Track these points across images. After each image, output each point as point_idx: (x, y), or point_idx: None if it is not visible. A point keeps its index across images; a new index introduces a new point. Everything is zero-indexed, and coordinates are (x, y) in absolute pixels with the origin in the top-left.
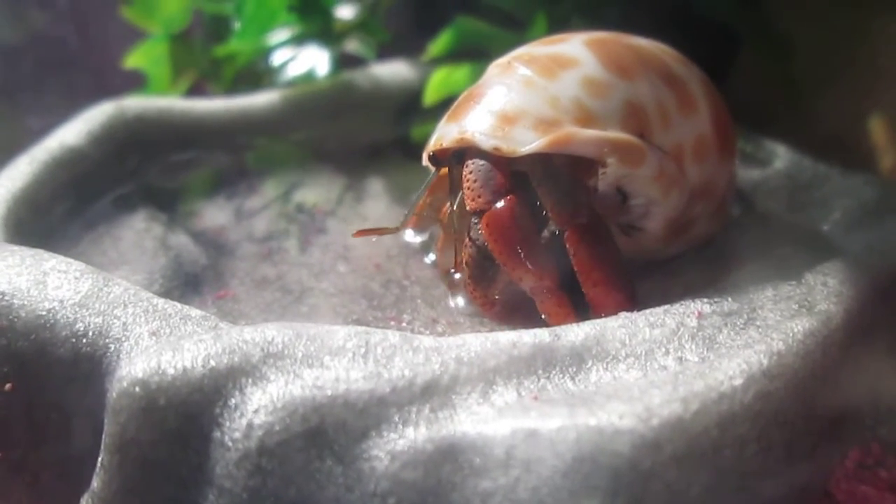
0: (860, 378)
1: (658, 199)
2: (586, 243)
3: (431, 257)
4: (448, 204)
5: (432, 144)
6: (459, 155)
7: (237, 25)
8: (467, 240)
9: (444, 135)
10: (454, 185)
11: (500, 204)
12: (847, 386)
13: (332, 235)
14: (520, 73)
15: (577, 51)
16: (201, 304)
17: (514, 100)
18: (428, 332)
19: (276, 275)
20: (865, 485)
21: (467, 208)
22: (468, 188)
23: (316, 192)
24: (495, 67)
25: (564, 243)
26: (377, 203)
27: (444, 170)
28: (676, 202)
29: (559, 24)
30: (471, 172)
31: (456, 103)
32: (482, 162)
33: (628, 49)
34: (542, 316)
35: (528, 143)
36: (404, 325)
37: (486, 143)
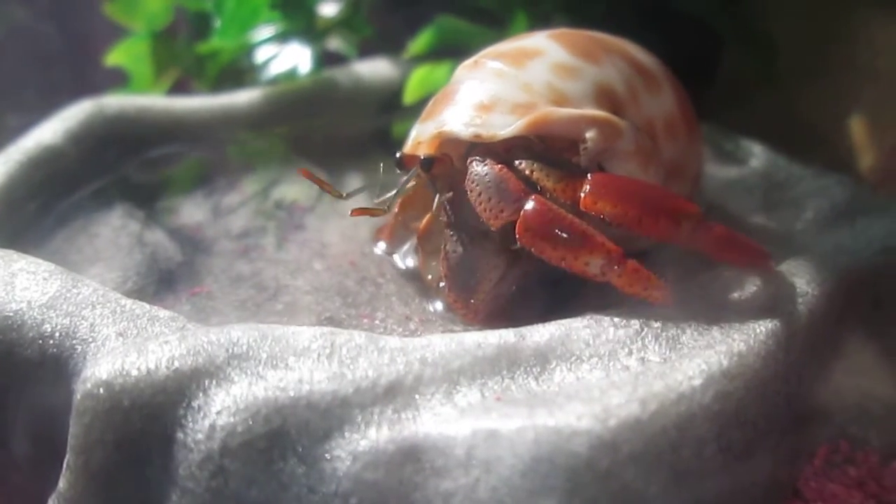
0: (826, 377)
1: (638, 175)
2: (615, 187)
3: (409, 263)
4: (427, 218)
5: (409, 146)
6: (428, 162)
7: (218, 23)
8: (442, 251)
9: (421, 133)
10: (429, 185)
11: (528, 206)
12: (813, 385)
13: (310, 232)
14: (489, 67)
15: (542, 42)
16: (175, 302)
17: (487, 90)
18: (401, 329)
19: (251, 272)
20: (834, 482)
21: (491, 228)
22: (484, 208)
23: (295, 188)
24: (463, 68)
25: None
26: (355, 201)
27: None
28: (654, 179)
29: (540, 22)
30: (478, 189)
31: (429, 105)
32: (483, 172)
33: (590, 38)
34: (629, 293)
35: (506, 126)
36: (377, 322)
37: (465, 132)
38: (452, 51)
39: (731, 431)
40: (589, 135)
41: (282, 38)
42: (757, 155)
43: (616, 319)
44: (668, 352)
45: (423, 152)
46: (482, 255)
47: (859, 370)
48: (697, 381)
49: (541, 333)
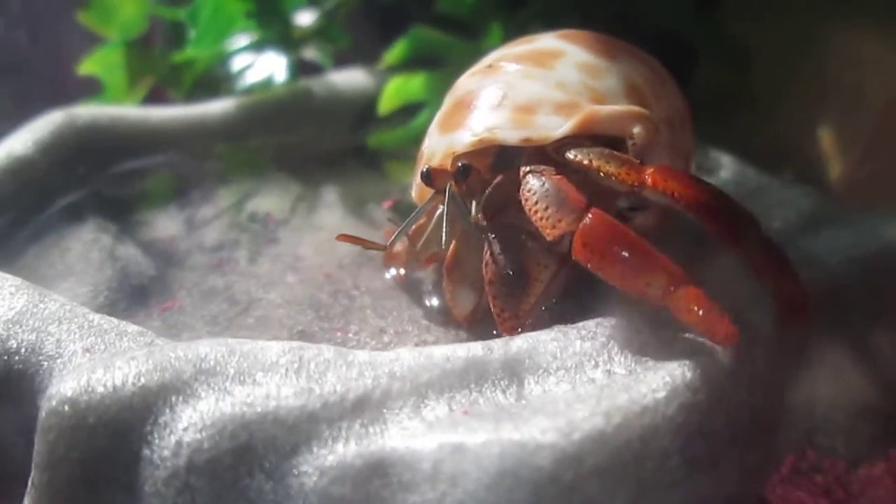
0: (792, 387)
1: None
2: (679, 173)
3: (431, 297)
4: (447, 241)
5: (437, 159)
6: (466, 169)
7: (193, 32)
8: (486, 258)
9: (451, 143)
10: (459, 205)
11: (588, 218)
12: (778, 395)
13: (284, 245)
14: (512, 70)
15: (558, 43)
16: (147, 316)
17: (522, 91)
18: (374, 342)
19: (224, 285)
20: (801, 490)
21: (547, 238)
22: (540, 218)
23: (270, 200)
24: (475, 75)
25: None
26: (332, 213)
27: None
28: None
29: (515, 32)
30: (535, 199)
31: (443, 114)
32: (540, 182)
33: (600, 38)
34: (687, 321)
35: (556, 127)
36: (350, 335)
37: (514, 137)
38: (428, 61)
39: (695, 443)
40: (636, 130)
41: (257, 47)
42: (726, 166)
43: (583, 332)
44: (633, 364)
45: (457, 163)
46: (531, 256)
47: (825, 379)
48: (661, 394)
49: (509, 346)
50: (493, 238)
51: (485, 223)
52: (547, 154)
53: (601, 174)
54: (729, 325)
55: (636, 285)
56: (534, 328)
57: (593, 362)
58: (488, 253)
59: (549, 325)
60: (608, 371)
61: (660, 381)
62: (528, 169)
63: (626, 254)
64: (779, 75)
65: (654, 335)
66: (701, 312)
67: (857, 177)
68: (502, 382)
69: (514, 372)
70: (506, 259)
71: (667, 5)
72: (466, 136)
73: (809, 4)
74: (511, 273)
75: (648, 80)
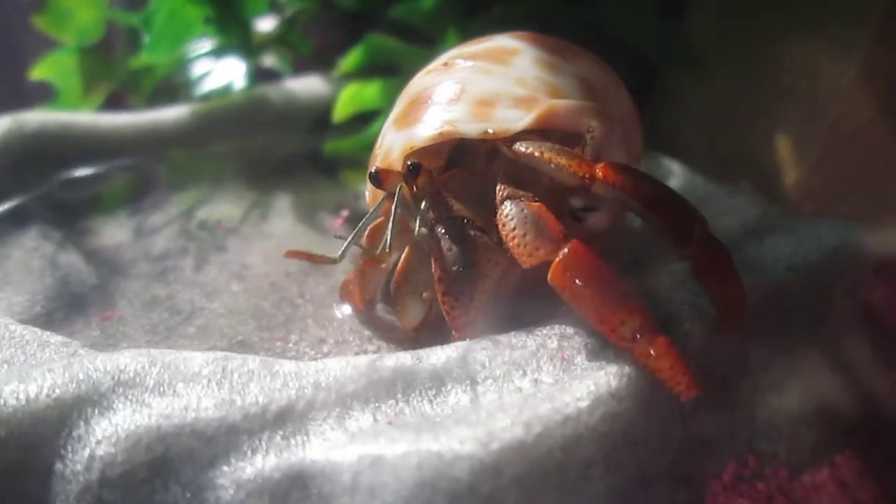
0: (732, 394)
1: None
2: (629, 171)
3: (346, 310)
4: (393, 246)
5: (395, 155)
6: (416, 168)
7: (147, 38)
8: (434, 252)
9: (409, 139)
10: (409, 206)
11: (569, 248)
12: (714, 403)
13: (231, 254)
14: (469, 66)
15: (513, 42)
16: (85, 326)
17: (481, 86)
18: (313, 352)
19: (166, 295)
20: (743, 498)
21: (524, 265)
22: (518, 244)
23: (221, 208)
24: (430, 72)
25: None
26: (282, 221)
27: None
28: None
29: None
30: (513, 224)
31: (398, 112)
32: (519, 208)
33: (550, 39)
34: (651, 368)
35: (517, 120)
36: (290, 345)
37: (474, 129)
38: (383, 69)
39: (619, 452)
40: (594, 123)
41: (217, 53)
42: (676, 174)
43: (514, 341)
44: (561, 373)
45: (408, 161)
46: (480, 252)
47: (765, 386)
48: (585, 403)
49: (438, 356)
50: (443, 234)
51: (434, 221)
52: (501, 151)
53: (552, 166)
54: (691, 380)
55: (608, 321)
56: (486, 330)
57: (521, 371)
58: (437, 249)
59: (504, 328)
60: (535, 380)
61: (584, 389)
62: (505, 194)
63: (604, 288)
64: (736, 85)
65: (584, 343)
66: (668, 366)
67: (811, 185)
68: (430, 392)
69: (442, 382)
70: (455, 255)
71: (627, 16)
72: (425, 129)
73: (767, 16)
74: (461, 269)
75: (601, 79)
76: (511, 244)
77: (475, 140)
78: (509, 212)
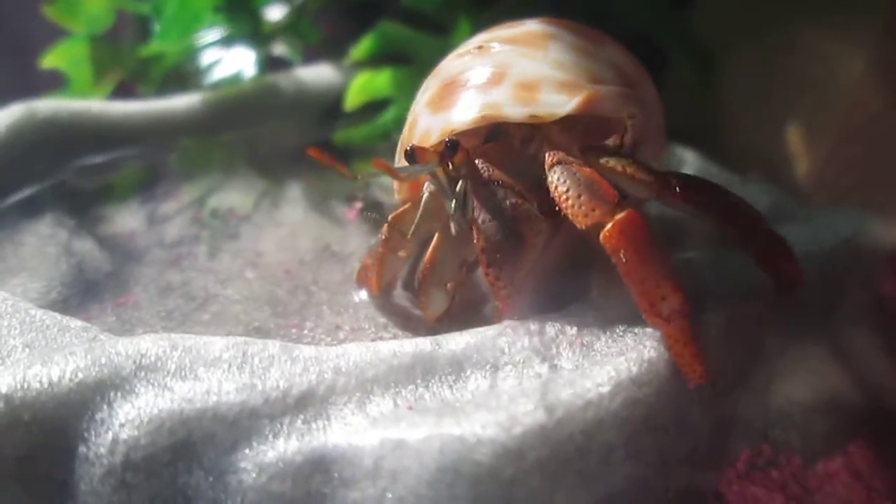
0: (747, 382)
1: (658, 156)
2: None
3: (363, 295)
4: (435, 241)
5: (434, 138)
6: (454, 147)
7: (157, 26)
8: (476, 222)
9: (453, 120)
10: (445, 187)
11: (625, 212)
12: (732, 390)
13: (244, 241)
14: (506, 49)
15: (543, 27)
16: (101, 312)
17: (522, 70)
18: (329, 339)
19: (181, 281)
20: (756, 485)
21: (579, 226)
22: (572, 204)
23: (233, 196)
24: (462, 56)
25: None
26: (294, 209)
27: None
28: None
29: (484, 28)
30: (566, 185)
31: (433, 95)
32: (571, 171)
33: (578, 25)
34: (670, 346)
35: (562, 104)
36: (306, 332)
37: (519, 113)
38: (394, 57)
39: (640, 438)
40: (635, 110)
41: (226, 41)
42: (690, 162)
43: (532, 327)
44: (580, 359)
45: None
46: (525, 220)
47: (780, 374)
48: (606, 388)
49: (457, 342)
50: (485, 202)
51: (473, 192)
52: (547, 136)
53: (634, 180)
54: (704, 368)
55: (650, 294)
56: (528, 304)
57: (541, 357)
58: (480, 219)
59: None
60: (555, 366)
61: (605, 375)
62: (555, 159)
63: (654, 260)
64: (747, 75)
65: (603, 329)
66: (689, 350)
67: (823, 174)
68: (449, 378)
69: (461, 367)
70: (497, 226)
71: (638, 6)
72: (467, 112)
73: (779, 5)
74: (504, 238)
75: (631, 66)
76: (565, 205)
77: (512, 124)
78: (561, 174)
